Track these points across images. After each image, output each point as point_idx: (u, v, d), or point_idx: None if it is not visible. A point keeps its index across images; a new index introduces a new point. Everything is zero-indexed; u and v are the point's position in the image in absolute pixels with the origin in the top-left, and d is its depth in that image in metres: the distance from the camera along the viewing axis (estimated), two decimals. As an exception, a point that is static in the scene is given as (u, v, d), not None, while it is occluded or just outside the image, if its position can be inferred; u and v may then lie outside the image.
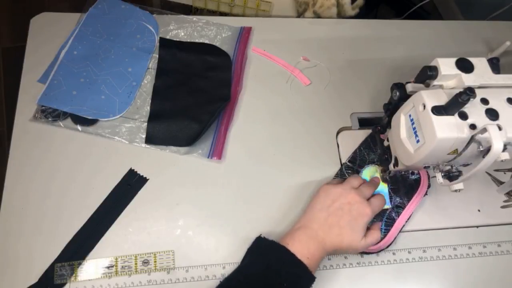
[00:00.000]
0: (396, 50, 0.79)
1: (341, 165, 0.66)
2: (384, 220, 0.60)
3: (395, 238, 0.60)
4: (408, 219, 0.61)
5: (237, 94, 0.71)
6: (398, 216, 0.61)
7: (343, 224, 0.53)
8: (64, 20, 0.73)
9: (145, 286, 0.56)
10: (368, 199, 0.57)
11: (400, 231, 0.60)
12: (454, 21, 0.89)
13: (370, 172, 0.64)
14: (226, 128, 0.67)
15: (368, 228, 0.56)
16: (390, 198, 0.62)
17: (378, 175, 0.64)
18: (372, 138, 0.67)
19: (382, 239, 0.58)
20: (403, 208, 0.61)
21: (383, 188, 0.63)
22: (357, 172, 0.64)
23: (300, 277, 0.50)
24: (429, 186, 0.63)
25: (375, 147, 0.66)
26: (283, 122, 0.69)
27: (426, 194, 0.63)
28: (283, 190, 0.63)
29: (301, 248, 0.51)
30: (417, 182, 0.63)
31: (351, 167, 0.65)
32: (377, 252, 0.59)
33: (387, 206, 0.61)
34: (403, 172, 0.63)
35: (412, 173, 0.64)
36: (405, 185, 0.63)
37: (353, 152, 0.66)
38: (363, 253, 0.59)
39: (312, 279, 0.51)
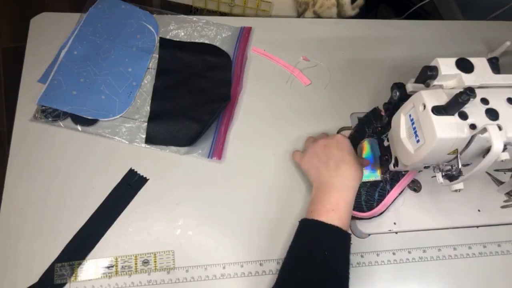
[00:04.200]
0: (396, 50, 0.79)
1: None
2: (378, 190, 0.62)
3: (387, 208, 0.61)
4: (401, 192, 0.63)
5: (237, 94, 0.71)
6: (391, 188, 0.62)
7: (337, 156, 0.57)
8: (64, 20, 0.73)
9: (145, 286, 0.56)
10: None
11: (391, 203, 0.62)
12: (454, 21, 0.89)
13: (367, 144, 0.66)
14: (226, 128, 0.67)
15: None
16: (386, 171, 0.64)
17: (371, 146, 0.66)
18: (373, 114, 0.69)
19: (373, 208, 0.60)
20: (397, 181, 0.62)
21: (377, 162, 0.64)
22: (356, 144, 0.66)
23: (334, 237, 0.52)
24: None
25: (375, 122, 0.68)
26: (283, 122, 0.69)
27: (421, 170, 0.64)
28: (284, 190, 0.64)
29: (322, 208, 0.53)
30: None
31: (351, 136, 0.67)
32: (370, 218, 0.61)
33: (379, 178, 0.63)
34: None
35: None
36: None
37: (356, 125, 0.69)
38: (355, 218, 0.61)
39: (345, 235, 0.52)
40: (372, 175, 0.63)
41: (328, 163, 0.57)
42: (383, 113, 0.68)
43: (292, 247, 0.53)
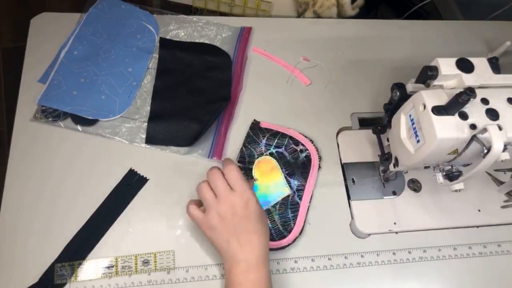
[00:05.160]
0: (397, 50, 0.79)
1: None
2: (289, 207, 0.60)
3: (305, 221, 0.60)
4: (311, 198, 0.62)
5: (237, 94, 0.71)
6: (301, 199, 0.61)
7: (248, 228, 0.52)
8: (64, 20, 0.73)
9: (145, 286, 0.56)
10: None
11: (307, 214, 0.60)
12: (455, 21, 0.89)
13: (263, 162, 0.63)
14: (226, 128, 0.67)
15: None
16: (289, 183, 0.62)
17: (272, 162, 0.63)
18: (253, 131, 0.66)
19: (292, 228, 0.59)
20: (303, 190, 0.62)
21: (279, 178, 0.62)
22: (250, 170, 0.63)
23: None
24: (320, 159, 0.65)
25: (258, 139, 0.65)
26: (284, 122, 0.69)
27: (319, 167, 0.64)
28: (283, 190, 0.63)
29: None
30: (308, 159, 0.64)
31: (242, 168, 0.63)
32: (292, 242, 0.58)
33: (289, 192, 0.61)
34: (290, 153, 0.64)
35: (301, 151, 0.64)
36: (298, 166, 0.63)
37: (239, 151, 0.65)
38: (278, 249, 0.58)
39: None
40: (281, 194, 0.61)
41: (239, 237, 0.51)
42: (262, 124, 0.66)
43: None
